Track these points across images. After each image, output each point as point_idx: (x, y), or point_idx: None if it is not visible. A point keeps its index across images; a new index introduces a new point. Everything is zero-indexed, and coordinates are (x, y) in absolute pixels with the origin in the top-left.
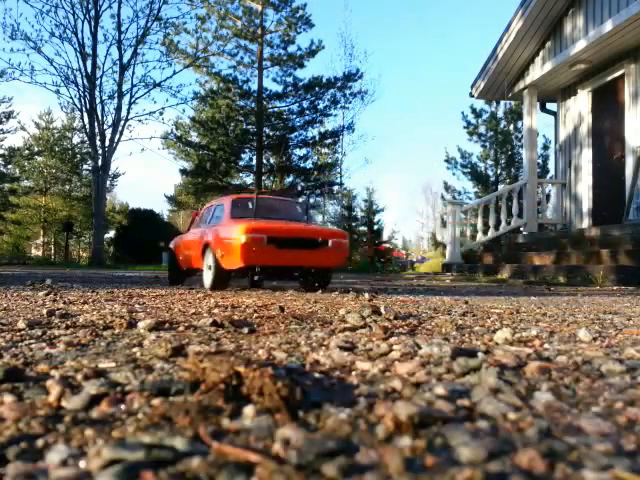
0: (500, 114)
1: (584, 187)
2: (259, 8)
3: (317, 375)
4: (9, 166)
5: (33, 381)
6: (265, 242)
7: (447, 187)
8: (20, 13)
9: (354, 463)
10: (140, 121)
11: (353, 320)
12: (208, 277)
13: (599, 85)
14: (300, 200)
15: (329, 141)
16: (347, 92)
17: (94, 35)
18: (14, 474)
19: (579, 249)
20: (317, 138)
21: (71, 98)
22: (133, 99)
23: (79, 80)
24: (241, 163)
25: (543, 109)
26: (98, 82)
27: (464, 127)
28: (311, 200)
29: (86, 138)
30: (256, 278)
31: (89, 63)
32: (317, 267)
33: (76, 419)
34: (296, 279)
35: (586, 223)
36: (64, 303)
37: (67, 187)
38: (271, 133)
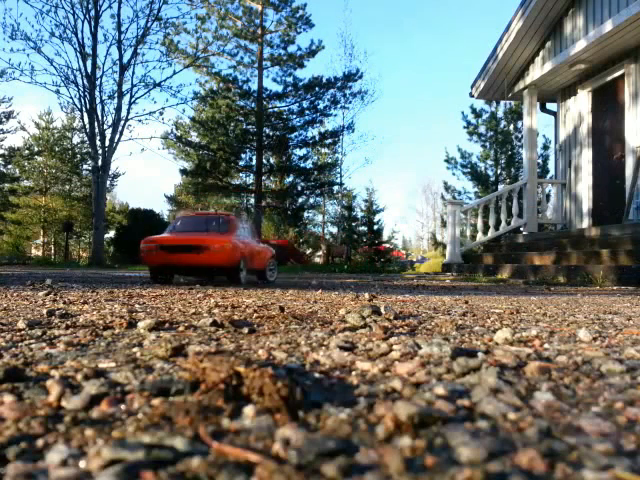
0: (500, 114)
1: (584, 187)
2: (259, 8)
3: (317, 375)
4: (9, 166)
5: (33, 381)
6: (156, 249)
7: (447, 187)
8: (20, 13)
9: (354, 463)
10: (140, 121)
11: (353, 320)
12: None
13: (599, 85)
14: (234, 216)
15: (329, 141)
16: (347, 92)
17: (94, 35)
18: (14, 474)
19: (579, 249)
20: (317, 138)
21: (71, 98)
22: (133, 99)
23: (79, 80)
24: (241, 163)
25: (543, 109)
26: (98, 82)
27: (464, 127)
28: (311, 200)
29: (86, 138)
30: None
31: (89, 63)
32: (203, 265)
33: (76, 419)
34: (208, 275)
35: (586, 223)
36: (64, 303)
37: (67, 187)
38: (271, 133)
